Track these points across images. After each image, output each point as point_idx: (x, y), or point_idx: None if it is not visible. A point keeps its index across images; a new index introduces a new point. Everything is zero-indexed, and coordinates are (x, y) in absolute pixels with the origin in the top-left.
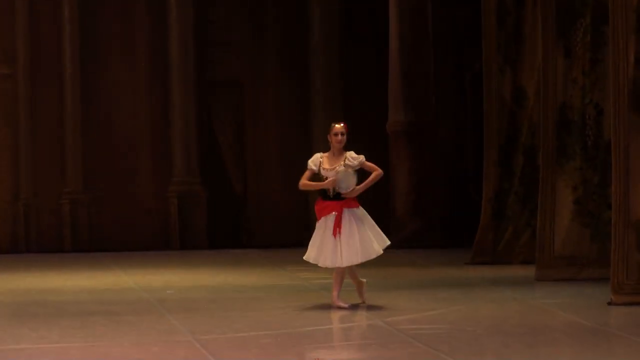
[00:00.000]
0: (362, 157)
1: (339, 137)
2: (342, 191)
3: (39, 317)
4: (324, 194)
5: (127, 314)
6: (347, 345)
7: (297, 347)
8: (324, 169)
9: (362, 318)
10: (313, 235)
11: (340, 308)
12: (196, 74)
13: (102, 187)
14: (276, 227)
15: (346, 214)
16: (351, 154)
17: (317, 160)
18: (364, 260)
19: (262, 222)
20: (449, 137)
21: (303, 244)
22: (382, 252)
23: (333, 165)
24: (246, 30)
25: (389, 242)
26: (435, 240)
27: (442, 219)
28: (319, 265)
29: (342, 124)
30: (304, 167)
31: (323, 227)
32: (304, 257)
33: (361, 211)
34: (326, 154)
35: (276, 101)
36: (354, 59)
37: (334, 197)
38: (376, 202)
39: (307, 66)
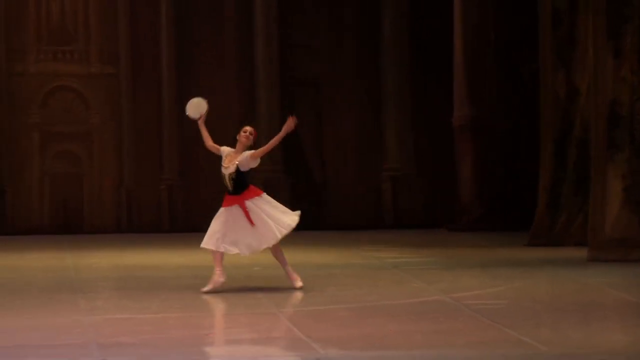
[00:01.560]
0: (248, 154)
1: (247, 134)
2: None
3: (140, 290)
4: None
5: (218, 288)
6: (416, 318)
7: (371, 319)
8: (223, 166)
9: (430, 294)
10: (214, 224)
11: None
12: (280, 74)
13: (195, 175)
14: (351, 210)
15: (250, 205)
16: (245, 153)
17: (226, 152)
18: (273, 242)
19: (338, 206)
20: (508, 130)
21: (376, 226)
22: (289, 228)
23: (230, 162)
24: (325, 34)
25: (297, 215)
26: (496, 224)
27: (502, 205)
28: (238, 253)
29: (250, 128)
30: (375, 157)
31: (225, 217)
32: (203, 246)
33: (263, 198)
34: (233, 150)
35: (351, 98)
36: (422, 58)
37: (234, 192)
38: (443, 189)
39: (379, 66)
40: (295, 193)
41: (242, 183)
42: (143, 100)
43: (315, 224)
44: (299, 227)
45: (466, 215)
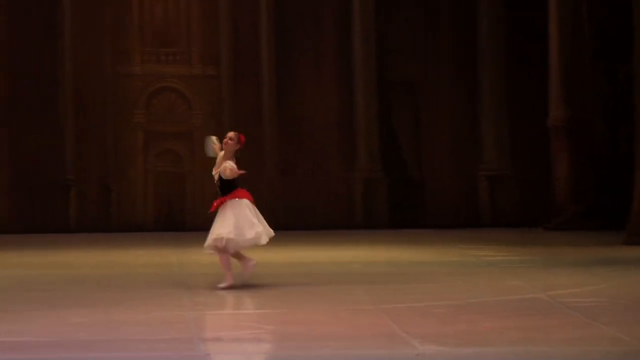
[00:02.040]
0: (228, 165)
1: (226, 139)
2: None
3: (243, 286)
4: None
5: (319, 285)
6: (513, 315)
7: (468, 316)
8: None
9: (526, 292)
10: (222, 222)
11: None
12: (377, 75)
13: (295, 173)
14: (448, 209)
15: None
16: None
17: (219, 156)
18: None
19: (436, 205)
20: (603, 130)
21: (473, 225)
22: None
23: (216, 169)
24: (421, 35)
25: (264, 235)
26: (591, 223)
27: (598, 204)
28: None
29: (231, 133)
30: (472, 156)
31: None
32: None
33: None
34: (221, 156)
35: (447, 98)
36: (517, 59)
37: (223, 194)
38: (539, 189)
39: (475, 67)
40: (393, 192)
41: (228, 187)
42: (243, 100)
43: (413, 223)
44: (398, 226)
45: (562, 215)
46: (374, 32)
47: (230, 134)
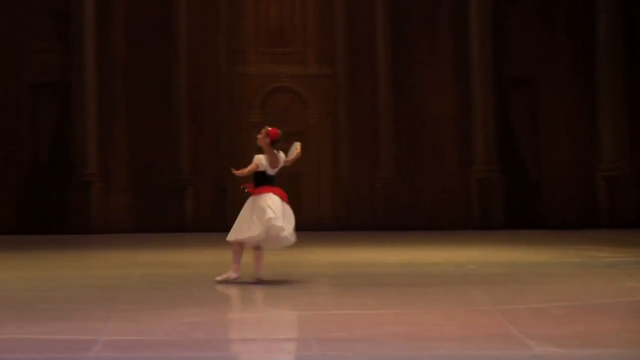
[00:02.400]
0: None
1: (261, 136)
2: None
3: (357, 286)
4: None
5: (434, 285)
6: (631, 316)
7: (585, 317)
8: (269, 168)
9: None
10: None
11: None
12: (494, 72)
13: (412, 173)
14: (565, 209)
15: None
16: (282, 155)
17: (263, 162)
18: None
19: (552, 205)
20: None
21: (590, 225)
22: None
23: (275, 166)
24: (538, 33)
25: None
26: None
27: None
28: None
29: (279, 134)
30: (590, 156)
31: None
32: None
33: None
34: (264, 156)
35: (565, 96)
36: (636, 55)
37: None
38: None
39: (593, 63)
40: (509, 192)
41: (257, 181)
42: (358, 99)
43: (530, 223)
44: (514, 226)
45: None
46: (491, 28)
47: (263, 129)
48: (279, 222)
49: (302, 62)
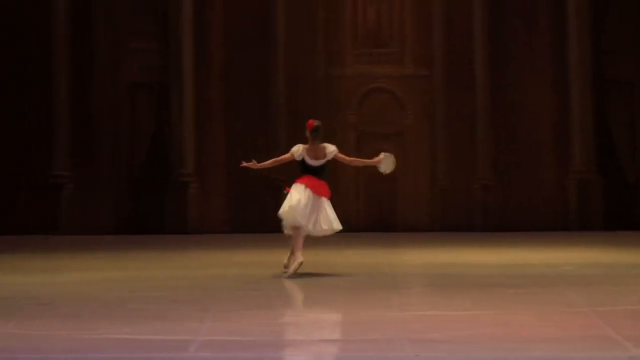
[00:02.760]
0: (336, 150)
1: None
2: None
3: (452, 287)
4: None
5: (530, 287)
6: None
7: None
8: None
9: None
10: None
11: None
12: (592, 76)
13: (509, 174)
14: None
15: None
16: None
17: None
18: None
19: None
20: None
21: None
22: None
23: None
24: (636, 35)
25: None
26: None
27: None
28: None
29: (314, 125)
30: None
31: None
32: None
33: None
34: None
35: None
36: None
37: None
38: None
39: None
40: (608, 194)
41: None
42: (456, 100)
43: (629, 225)
44: (613, 227)
45: None
46: (590, 31)
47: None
48: (284, 214)
49: (399, 62)
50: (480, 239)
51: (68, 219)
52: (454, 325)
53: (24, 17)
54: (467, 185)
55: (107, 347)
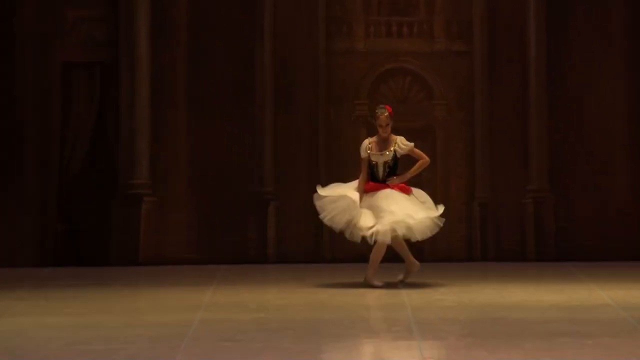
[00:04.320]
0: (412, 145)
1: (384, 127)
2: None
3: (498, 337)
4: (374, 178)
5: (601, 336)
6: None
7: None
8: (372, 153)
9: None
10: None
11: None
12: None
13: (571, 184)
14: None
15: None
16: (402, 140)
17: (366, 147)
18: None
19: None
20: None
21: None
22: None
23: (382, 149)
24: None
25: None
26: None
27: None
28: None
29: (385, 114)
30: None
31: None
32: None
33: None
34: (374, 139)
35: None
36: None
37: (383, 181)
38: None
39: None
40: None
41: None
42: (503, 86)
43: None
44: None
45: None
46: None
47: (387, 118)
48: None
49: (427, 35)
50: (535, 270)
51: None
52: None
53: None
54: (516, 199)
55: None
